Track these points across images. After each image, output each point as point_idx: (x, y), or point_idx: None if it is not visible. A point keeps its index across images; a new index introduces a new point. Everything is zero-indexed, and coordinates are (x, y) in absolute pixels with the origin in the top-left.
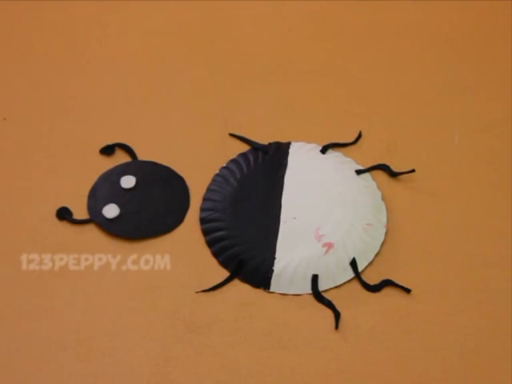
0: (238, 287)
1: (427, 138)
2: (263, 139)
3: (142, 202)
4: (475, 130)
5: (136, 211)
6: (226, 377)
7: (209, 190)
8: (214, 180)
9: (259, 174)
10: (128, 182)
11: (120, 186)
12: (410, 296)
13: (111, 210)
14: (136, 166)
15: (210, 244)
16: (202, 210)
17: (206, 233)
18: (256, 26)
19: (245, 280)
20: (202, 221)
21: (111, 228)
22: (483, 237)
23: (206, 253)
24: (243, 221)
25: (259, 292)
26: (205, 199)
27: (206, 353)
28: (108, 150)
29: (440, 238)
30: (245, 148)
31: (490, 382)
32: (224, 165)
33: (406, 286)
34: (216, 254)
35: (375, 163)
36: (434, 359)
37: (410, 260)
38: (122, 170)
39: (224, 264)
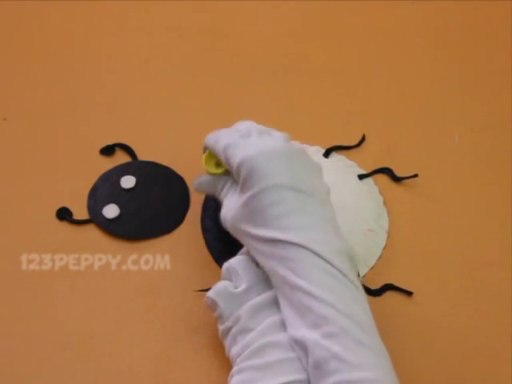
0: None
1: (428, 139)
2: None
3: (141, 202)
4: (475, 130)
5: (136, 211)
6: (226, 377)
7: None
8: None
9: None
10: (128, 182)
11: (120, 186)
12: (411, 299)
13: (111, 210)
14: (136, 166)
15: (212, 251)
16: (203, 218)
17: (208, 242)
18: (257, 27)
19: None
20: (204, 230)
21: (111, 228)
22: (483, 238)
23: (206, 253)
24: None
25: None
26: (205, 208)
27: (205, 353)
28: (108, 150)
29: (441, 241)
30: None
31: (490, 381)
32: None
33: (407, 289)
34: (218, 260)
35: (378, 166)
36: (434, 359)
37: (411, 263)
38: (122, 170)
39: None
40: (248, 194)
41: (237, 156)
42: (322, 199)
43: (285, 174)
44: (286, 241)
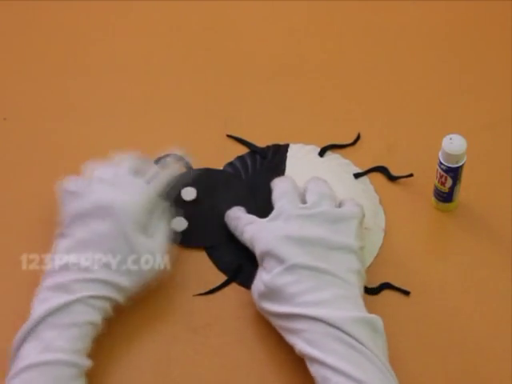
0: (239, 289)
1: (426, 138)
2: (262, 139)
3: None
4: (475, 129)
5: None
6: (226, 377)
7: None
8: None
9: (257, 180)
10: (189, 193)
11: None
12: (409, 298)
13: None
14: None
15: (208, 249)
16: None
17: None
18: (256, 27)
19: (242, 284)
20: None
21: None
22: (481, 237)
23: (206, 254)
24: None
25: None
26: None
27: (205, 353)
28: (160, 161)
29: (438, 240)
30: (242, 148)
31: (490, 381)
32: (221, 168)
33: (404, 288)
34: (215, 260)
35: (374, 165)
36: (432, 359)
37: (408, 262)
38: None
39: (222, 268)
40: (269, 276)
41: (259, 244)
42: (343, 277)
43: (301, 255)
44: (302, 315)
